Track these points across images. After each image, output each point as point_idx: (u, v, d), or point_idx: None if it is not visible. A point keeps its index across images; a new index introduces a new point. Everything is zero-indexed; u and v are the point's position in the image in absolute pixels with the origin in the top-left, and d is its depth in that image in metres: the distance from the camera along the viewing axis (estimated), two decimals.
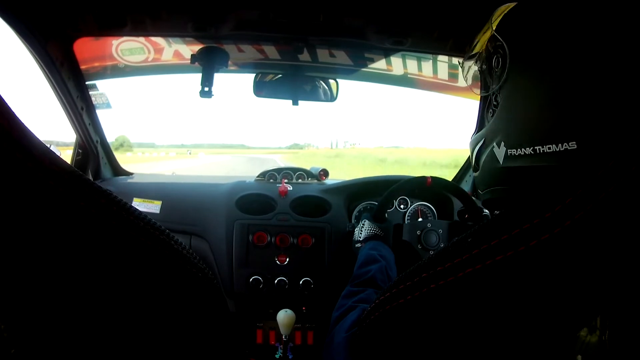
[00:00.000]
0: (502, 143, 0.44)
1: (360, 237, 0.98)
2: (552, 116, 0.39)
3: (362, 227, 1.00)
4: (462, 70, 0.57)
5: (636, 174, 0.22)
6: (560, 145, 0.38)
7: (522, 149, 0.42)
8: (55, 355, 0.21)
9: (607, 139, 0.24)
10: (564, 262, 0.24)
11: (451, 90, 1.48)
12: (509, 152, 0.44)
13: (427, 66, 1.43)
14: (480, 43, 0.52)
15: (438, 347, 0.28)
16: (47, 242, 0.19)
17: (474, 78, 0.54)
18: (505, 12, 0.48)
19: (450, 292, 0.26)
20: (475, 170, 0.53)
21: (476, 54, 0.51)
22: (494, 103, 0.48)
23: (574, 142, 0.36)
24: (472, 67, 0.54)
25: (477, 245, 0.26)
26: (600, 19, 0.37)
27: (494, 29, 0.46)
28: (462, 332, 0.27)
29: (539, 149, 0.40)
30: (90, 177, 1.38)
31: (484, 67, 0.49)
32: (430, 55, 1.38)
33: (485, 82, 0.50)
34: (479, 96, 0.54)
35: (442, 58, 1.38)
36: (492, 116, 0.48)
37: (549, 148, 0.39)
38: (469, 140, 0.55)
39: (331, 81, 1.35)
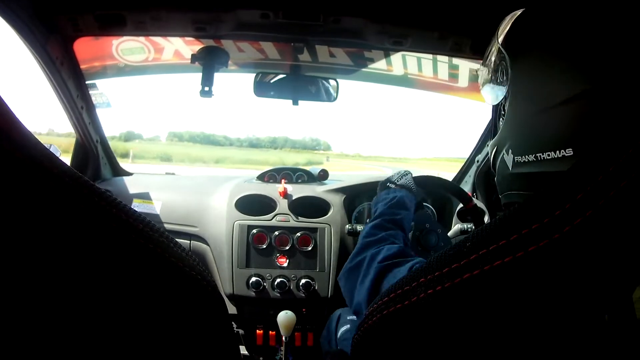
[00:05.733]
0: (510, 150, 0.46)
1: (397, 181, 0.89)
2: (548, 124, 0.40)
3: (404, 175, 0.91)
4: (479, 78, 0.58)
5: (637, 180, 0.21)
6: (557, 152, 0.39)
7: (526, 157, 0.43)
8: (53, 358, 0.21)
9: (604, 145, 0.24)
10: (563, 267, 0.23)
11: (452, 91, 1.48)
12: (515, 159, 0.45)
13: (427, 66, 1.43)
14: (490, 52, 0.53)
15: (436, 352, 0.28)
16: (45, 246, 0.19)
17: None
18: (511, 21, 0.48)
19: (447, 297, 0.26)
20: (494, 175, 0.54)
21: (487, 62, 0.53)
22: (502, 112, 0.49)
23: (570, 149, 0.38)
24: (484, 76, 0.55)
25: (476, 250, 0.25)
26: (596, 30, 0.37)
27: (499, 41, 0.47)
28: (460, 338, 0.27)
29: (540, 156, 0.41)
30: (90, 177, 1.38)
31: (492, 77, 0.51)
32: (430, 55, 1.38)
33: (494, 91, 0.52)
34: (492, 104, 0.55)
35: (442, 58, 1.38)
36: (501, 124, 0.49)
37: (549, 155, 0.40)
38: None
39: (331, 81, 1.35)
